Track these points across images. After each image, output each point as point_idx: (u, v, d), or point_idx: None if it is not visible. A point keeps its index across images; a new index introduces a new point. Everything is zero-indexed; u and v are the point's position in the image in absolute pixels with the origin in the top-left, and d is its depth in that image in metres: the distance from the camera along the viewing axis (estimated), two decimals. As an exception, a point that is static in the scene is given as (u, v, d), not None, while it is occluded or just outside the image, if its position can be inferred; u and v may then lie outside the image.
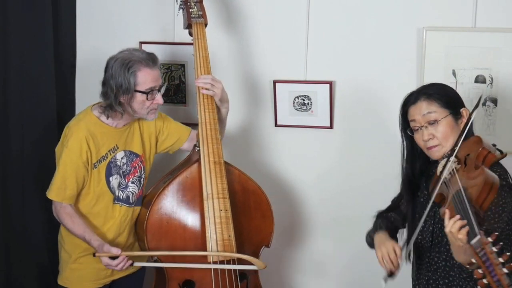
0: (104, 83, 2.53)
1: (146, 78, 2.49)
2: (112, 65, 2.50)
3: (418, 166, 2.22)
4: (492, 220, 1.92)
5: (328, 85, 2.94)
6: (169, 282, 2.54)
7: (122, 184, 2.63)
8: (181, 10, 2.85)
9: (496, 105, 2.76)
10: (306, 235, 3.16)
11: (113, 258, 2.47)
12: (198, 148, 2.63)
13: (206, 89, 2.65)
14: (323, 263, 3.14)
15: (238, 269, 2.59)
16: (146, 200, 2.68)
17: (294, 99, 3.02)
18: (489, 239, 1.61)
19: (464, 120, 2.12)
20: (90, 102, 2.66)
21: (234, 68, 3.12)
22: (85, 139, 2.51)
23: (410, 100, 2.17)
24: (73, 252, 2.62)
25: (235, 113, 3.15)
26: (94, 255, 2.47)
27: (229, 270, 2.55)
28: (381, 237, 2.22)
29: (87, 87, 3.14)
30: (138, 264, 2.59)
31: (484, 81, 2.76)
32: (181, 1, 2.85)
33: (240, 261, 2.56)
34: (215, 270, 2.53)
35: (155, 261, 2.54)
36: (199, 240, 2.54)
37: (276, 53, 3.05)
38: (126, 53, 2.52)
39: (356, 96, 2.95)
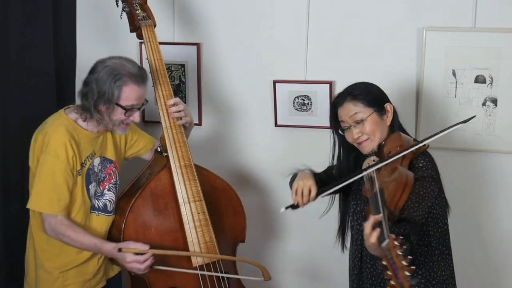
0: (87, 84, 2.38)
1: (131, 94, 2.36)
2: (99, 70, 2.35)
3: (352, 157, 2.32)
4: (412, 209, 2.01)
5: (328, 85, 2.94)
6: None
7: (98, 192, 2.51)
8: (124, 14, 2.73)
9: (496, 105, 2.76)
10: (305, 235, 3.16)
11: (139, 254, 2.38)
12: (165, 154, 2.56)
13: (179, 118, 2.56)
14: (319, 262, 3.15)
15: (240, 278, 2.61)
16: (119, 209, 2.57)
17: (294, 99, 3.02)
18: (395, 243, 1.65)
19: (389, 114, 2.22)
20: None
21: (234, 68, 3.12)
22: (69, 144, 2.36)
23: (338, 102, 2.25)
24: (55, 269, 2.47)
25: (235, 113, 3.15)
26: (120, 250, 2.36)
27: (215, 270, 2.53)
28: (305, 174, 2.28)
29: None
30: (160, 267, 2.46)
31: (484, 81, 2.76)
32: (123, 4, 2.73)
33: (224, 262, 2.55)
34: (202, 273, 2.50)
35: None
36: (179, 245, 2.51)
37: (276, 53, 3.04)
38: (117, 63, 2.37)
39: (356, 96, 2.95)
